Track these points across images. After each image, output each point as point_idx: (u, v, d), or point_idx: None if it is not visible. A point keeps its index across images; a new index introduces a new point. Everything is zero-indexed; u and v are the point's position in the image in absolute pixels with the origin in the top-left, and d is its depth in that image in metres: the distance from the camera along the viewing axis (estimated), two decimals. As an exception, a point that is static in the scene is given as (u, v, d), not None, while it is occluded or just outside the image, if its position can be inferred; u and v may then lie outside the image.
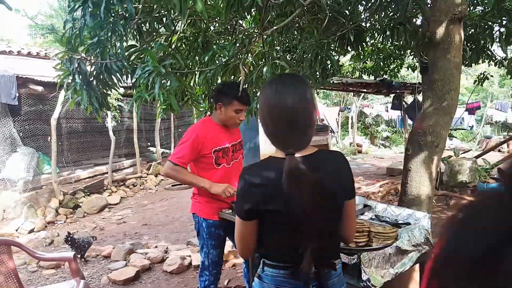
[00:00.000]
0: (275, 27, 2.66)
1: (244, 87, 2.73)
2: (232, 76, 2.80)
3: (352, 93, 12.96)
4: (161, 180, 10.36)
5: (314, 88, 5.94)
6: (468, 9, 4.31)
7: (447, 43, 2.78)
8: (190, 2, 1.72)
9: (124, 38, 2.70)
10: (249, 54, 2.59)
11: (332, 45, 4.33)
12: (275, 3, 2.58)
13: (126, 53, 2.63)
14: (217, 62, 2.83)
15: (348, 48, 4.56)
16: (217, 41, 3.28)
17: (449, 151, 7.86)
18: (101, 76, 2.89)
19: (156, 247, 5.01)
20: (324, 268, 1.30)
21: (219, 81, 3.11)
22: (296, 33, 4.00)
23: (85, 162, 9.37)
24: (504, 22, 4.54)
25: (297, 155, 1.23)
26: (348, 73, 9.64)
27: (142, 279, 4.03)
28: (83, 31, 2.51)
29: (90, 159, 9.57)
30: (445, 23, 2.76)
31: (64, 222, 6.99)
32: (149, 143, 11.38)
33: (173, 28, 2.79)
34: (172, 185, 9.53)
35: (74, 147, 9.01)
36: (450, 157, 7.18)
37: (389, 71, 8.15)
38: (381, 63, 8.02)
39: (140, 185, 9.63)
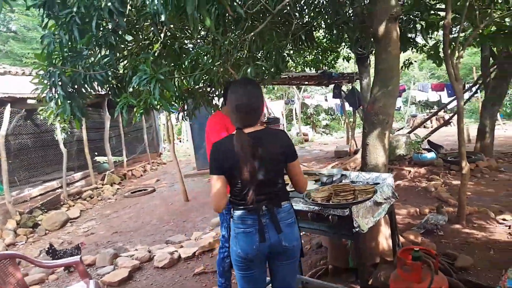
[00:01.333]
0: (251, 34, 3.10)
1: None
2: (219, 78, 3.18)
3: (294, 86, 13.77)
4: (118, 189, 10.26)
5: (268, 83, 6.44)
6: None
7: (387, 38, 3.42)
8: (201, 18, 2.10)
9: (115, 50, 2.94)
10: (232, 58, 3.00)
11: (288, 45, 4.86)
12: (250, 12, 3.01)
13: (121, 64, 2.89)
14: (199, 65, 3.20)
15: (301, 45, 5.12)
16: (194, 47, 3.63)
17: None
18: (83, 87, 3.10)
19: (136, 250, 5.19)
20: (273, 206, 1.94)
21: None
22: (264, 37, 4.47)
23: (37, 178, 8.99)
24: (424, 15, 5.42)
25: (249, 130, 1.92)
26: (292, 67, 10.36)
27: (135, 278, 4.24)
28: (65, 45, 2.72)
29: (42, 175, 9.19)
30: (385, 22, 3.39)
31: (26, 242, 6.77)
32: (95, 153, 11.11)
33: (157, 37, 3.09)
34: (132, 192, 9.52)
35: (25, 163, 8.61)
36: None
37: (327, 63, 8.95)
38: (320, 56, 8.78)
39: (97, 196, 9.46)
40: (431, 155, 6.97)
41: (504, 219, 4.35)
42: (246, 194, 1.90)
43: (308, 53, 9.11)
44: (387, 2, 3.37)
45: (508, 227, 4.16)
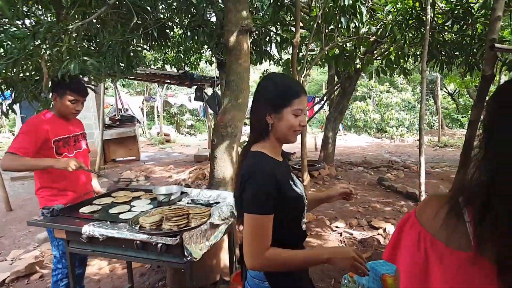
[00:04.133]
0: (80, 23, 2.58)
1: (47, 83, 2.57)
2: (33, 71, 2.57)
3: (163, 84, 13.09)
4: None
5: (118, 78, 5.83)
6: (253, 17, 5.18)
7: (238, 50, 3.35)
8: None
9: None
10: (53, 49, 2.44)
11: (136, 40, 4.40)
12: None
13: None
14: (7, 51, 2.52)
15: (153, 43, 4.72)
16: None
17: (244, 137, 9.17)
18: None
19: None
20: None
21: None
22: (98, 25, 3.88)
23: None
24: (279, 31, 5.67)
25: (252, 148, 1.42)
26: (151, 62, 9.75)
27: None
28: None
29: None
30: (236, 33, 3.31)
31: None
32: None
33: None
34: None
35: None
36: (245, 141, 8.39)
37: (189, 63, 8.71)
38: (182, 55, 8.48)
39: None
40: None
41: (337, 227, 4.83)
42: None
43: (169, 50, 8.70)
44: (238, 13, 3.30)
45: (340, 234, 4.62)
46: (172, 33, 4.98)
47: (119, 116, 10.74)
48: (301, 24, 6.00)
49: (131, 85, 17.47)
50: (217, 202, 2.63)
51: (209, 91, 9.68)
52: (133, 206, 2.58)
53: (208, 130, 11.07)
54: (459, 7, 4.60)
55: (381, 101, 14.92)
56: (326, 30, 4.70)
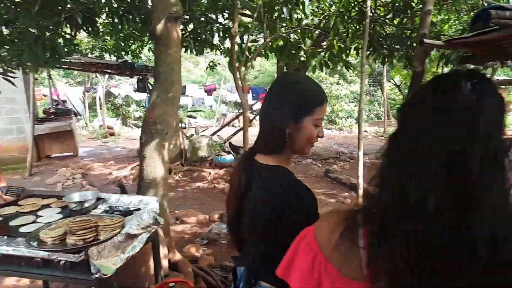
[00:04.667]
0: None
1: None
2: None
3: (102, 73, 12.28)
4: None
5: (44, 68, 5.32)
6: (192, 6, 4.88)
7: (167, 39, 3.07)
8: None
9: None
10: None
11: (57, 27, 3.97)
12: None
13: None
14: None
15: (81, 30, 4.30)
16: None
17: (191, 130, 8.84)
18: None
19: None
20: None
21: None
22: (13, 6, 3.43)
23: None
24: (223, 20, 5.40)
25: (261, 159, 1.21)
26: (88, 50, 9.06)
27: None
28: None
29: None
30: (164, 21, 3.02)
31: None
32: None
33: None
34: None
35: None
36: (192, 135, 8.10)
37: (131, 51, 8.19)
38: (122, 43, 7.95)
39: None
40: (230, 157, 7.23)
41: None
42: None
43: (108, 38, 8.13)
44: (166, -1, 3.00)
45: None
46: (100, 20, 4.53)
47: (54, 109, 9.89)
48: (249, 12, 5.79)
49: (70, 75, 16.27)
50: (138, 209, 2.37)
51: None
52: (39, 216, 2.26)
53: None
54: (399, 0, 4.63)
55: (331, 93, 15.19)
56: (269, 21, 4.53)
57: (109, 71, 8.81)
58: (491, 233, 0.56)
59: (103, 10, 4.02)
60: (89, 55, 9.20)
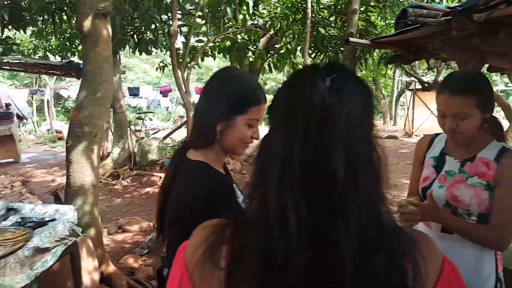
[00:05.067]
0: None
1: None
2: None
3: (46, 75, 11.59)
4: None
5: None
6: (133, 6, 4.69)
7: (95, 36, 2.88)
8: None
9: None
10: None
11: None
12: None
13: None
14: None
15: (7, 28, 4.01)
16: None
17: (141, 132, 8.52)
18: None
19: None
20: None
21: None
22: None
23: None
24: (164, 19, 5.24)
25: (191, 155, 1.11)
26: (31, 51, 8.53)
27: None
28: None
29: None
30: (91, 17, 2.84)
31: None
32: None
33: None
34: None
35: None
36: (142, 138, 7.81)
37: (77, 52, 7.81)
38: (68, 43, 7.57)
39: None
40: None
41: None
42: None
43: (52, 37, 7.69)
44: (92, -7, 2.82)
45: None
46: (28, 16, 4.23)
47: (-6, 111, 9.22)
48: (200, 13, 5.65)
49: (16, 76, 15.26)
50: (53, 219, 2.18)
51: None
52: None
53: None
54: (341, 2, 4.69)
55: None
56: (215, 21, 4.44)
57: (53, 72, 8.32)
58: (358, 245, 0.51)
59: (32, 6, 3.73)
60: (32, 56, 8.67)
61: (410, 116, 13.54)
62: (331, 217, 0.52)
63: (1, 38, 5.36)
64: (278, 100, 0.60)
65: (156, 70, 7.82)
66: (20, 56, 7.68)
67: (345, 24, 4.82)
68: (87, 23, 2.86)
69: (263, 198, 0.56)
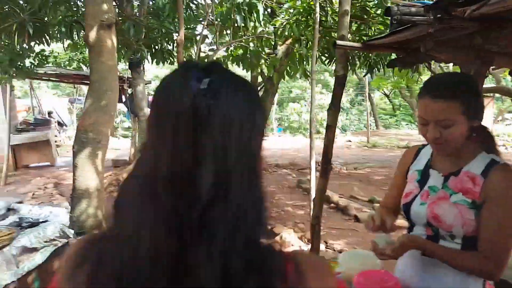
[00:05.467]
0: None
1: None
2: None
3: (80, 84, 12.27)
4: None
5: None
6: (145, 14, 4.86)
7: (100, 47, 3.03)
8: None
9: None
10: None
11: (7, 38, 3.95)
12: None
13: None
14: None
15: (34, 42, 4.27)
16: None
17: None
18: None
19: None
20: None
21: None
22: None
23: None
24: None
25: None
26: (67, 62, 9.08)
27: None
28: None
29: None
30: (96, 28, 2.98)
31: None
32: None
33: None
34: None
35: None
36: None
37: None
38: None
39: None
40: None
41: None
42: None
43: (85, 49, 8.13)
44: (97, 6, 2.97)
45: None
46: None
47: (33, 119, 9.88)
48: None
49: (58, 86, 16.28)
50: (46, 221, 2.29)
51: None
52: None
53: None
54: (357, 4, 4.59)
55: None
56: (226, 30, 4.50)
57: (86, 82, 8.80)
58: (223, 271, 0.46)
59: (52, 20, 3.99)
60: (67, 68, 9.23)
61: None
62: (191, 240, 0.46)
63: (36, 51, 5.76)
64: (152, 104, 0.54)
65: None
66: (56, 68, 8.16)
67: (361, 28, 4.74)
68: (92, 34, 3.00)
69: (126, 212, 0.51)
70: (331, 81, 15.45)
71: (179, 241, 0.46)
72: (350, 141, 13.60)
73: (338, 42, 2.14)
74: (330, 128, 2.53)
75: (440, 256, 1.14)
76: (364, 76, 8.05)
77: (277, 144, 13.35)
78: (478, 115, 1.14)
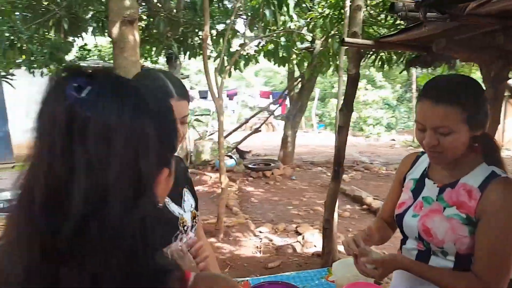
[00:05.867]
0: None
1: None
2: None
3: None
4: None
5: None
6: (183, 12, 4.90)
7: (123, 42, 3.07)
8: None
9: None
10: None
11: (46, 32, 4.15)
12: None
13: None
14: None
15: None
16: None
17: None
18: None
19: None
20: None
21: None
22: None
23: None
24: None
25: None
26: (111, 56, 9.47)
27: None
28: None
29: None
30: (118, 24, 3.03)
31: None
32: None
33: None
34: None
35: None
36: (200, 139, 8.15)
37: (149, 57, 8.39)
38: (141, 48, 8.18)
39: None
40: (231, 161, 7.17)
41: (260, 231, 4.57)
42: None
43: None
44: (119, 2, 3.01)
45: (260, 239, 4.37)
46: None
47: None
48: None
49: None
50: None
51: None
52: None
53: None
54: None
55: (358, 98, 14.62)
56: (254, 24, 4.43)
57: (128, 75, 9.17)
58: None
59: (84, 15, 4.13)
60: (110, 62, 9.62)
61: (501, 127, 11.94)
62: (63, 261, 0.43)
63: (80, 45, 6.00)
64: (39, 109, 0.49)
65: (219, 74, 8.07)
66: (100, 61, 8.54)
67: (396, 23, 4.45)
68: (115, 30, 3.05)
69: (8, 226, 0.49)
70: (376, 77, 14.83)
71: (53, 262, 0.44)
72: (393, 140, 13.02)
73: (346, 39, 1.98)
74: (342, 130, 2.38)
75: (428, 278, 1.04)
76: (401, 72, 7.61)
77: (315, 140, 13.09)
78: (481, 124, 1.00)
